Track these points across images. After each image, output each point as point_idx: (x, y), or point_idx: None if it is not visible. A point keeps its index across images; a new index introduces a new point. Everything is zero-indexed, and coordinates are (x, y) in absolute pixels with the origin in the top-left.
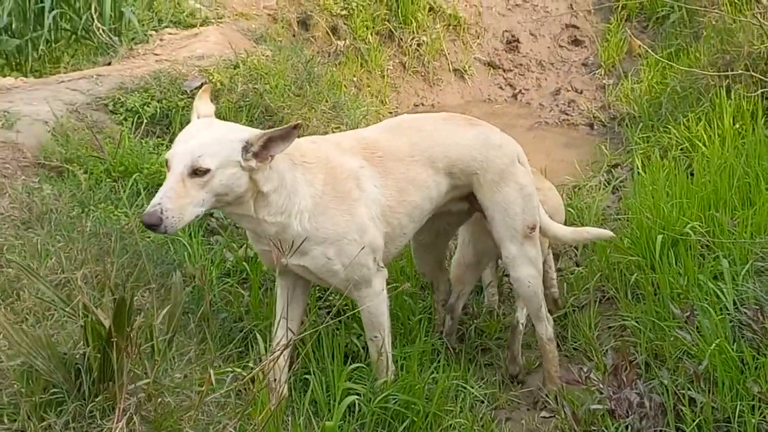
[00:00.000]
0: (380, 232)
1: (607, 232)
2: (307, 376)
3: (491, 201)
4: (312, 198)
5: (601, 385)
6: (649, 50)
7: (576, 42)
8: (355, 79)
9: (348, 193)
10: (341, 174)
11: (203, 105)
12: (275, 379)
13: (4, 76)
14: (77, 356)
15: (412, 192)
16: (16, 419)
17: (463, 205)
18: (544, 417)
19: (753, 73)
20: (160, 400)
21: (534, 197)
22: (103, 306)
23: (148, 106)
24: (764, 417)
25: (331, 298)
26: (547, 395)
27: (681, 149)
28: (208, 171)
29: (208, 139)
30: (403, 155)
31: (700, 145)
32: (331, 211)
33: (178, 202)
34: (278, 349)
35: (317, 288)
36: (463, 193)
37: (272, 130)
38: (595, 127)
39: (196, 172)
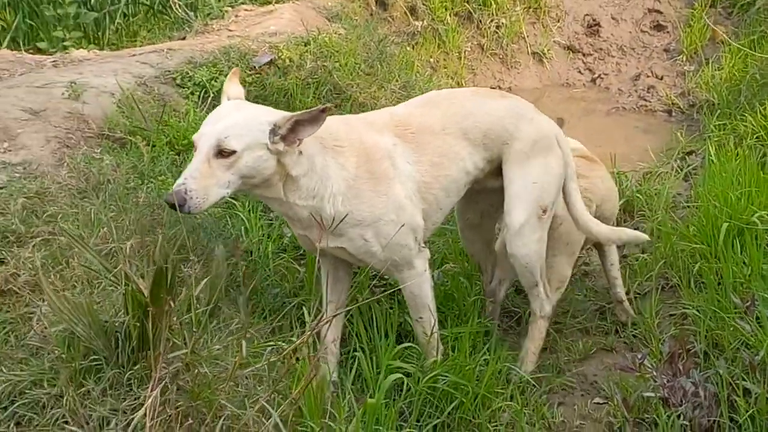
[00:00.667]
0: (418, 210)
1: (642, 236)
2: (356, 353)
3: (514, 171)
4: (345, 181)
5: (655, 373)
6: (729, 37)
7: (658, 27)
8: (431, 60)
9: (384, 173)
10: (375, 154)
11: (233, 87)
12: (324, 357)
13: (81, 48)
14: (117, 324)
15: (447, 165)
16: (56, 384)
17: (499, 181)
18: (597, 403)
19: None
20: (197, 370)
21: (557, 183)
22: (145, 276)
23: (215, 81)
24: None
25: (386, 277)
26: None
27: (756, 138)
28: (234, 152)
29: (236, 120)
30: (436, 129)
31: None
32: (366, 194)
33: (202, 182)
34: (318, 326)
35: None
36: (496, 167)
37: (300, 112)
38: (674, 114)
39: (222, 153)
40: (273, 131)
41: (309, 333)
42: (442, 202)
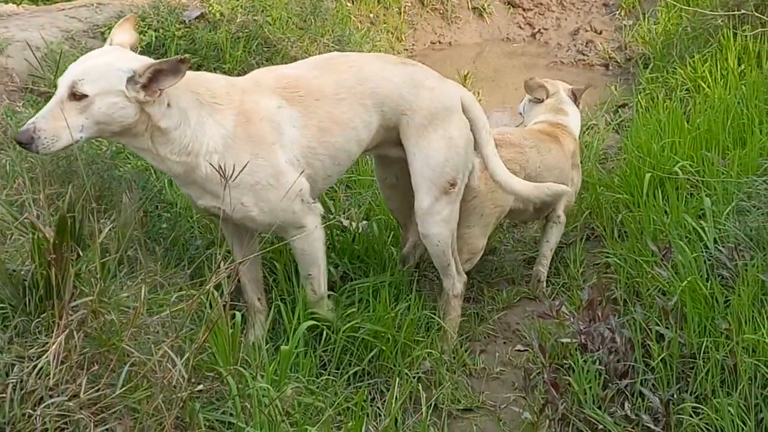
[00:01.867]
0: (299, 174)
1: (565, 188)
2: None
3: (414, 145)
4: (222, 139)
5: (572, 320)
6: None
7: None
8: (371, 15)
9: (263, 136)
10: (256, 116)
11: (119, 34)
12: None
13: (8, 2)
14: (24, 273)
15: (336, 132)
16: None
17: (400, 152)
18: (518, 350)
19: (760, 15)
20: (104, 318)
21: (464, 153)
22: (53, 225)
23: (144, 35)
24: (728, 353)
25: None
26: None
27: (685, 90)
28: (86, 96)
29: (94, 64)
30: (328, 93)
31: (704, 85)
32: (243, 155)
33: (53, 123)
34: (220, 277)
35: None
36: (395, 137)
37: (159, 61)
38: (611, 68)
39: (75, 96)
40: (131, 79)
41: (210, 282)
42: (330, 169)
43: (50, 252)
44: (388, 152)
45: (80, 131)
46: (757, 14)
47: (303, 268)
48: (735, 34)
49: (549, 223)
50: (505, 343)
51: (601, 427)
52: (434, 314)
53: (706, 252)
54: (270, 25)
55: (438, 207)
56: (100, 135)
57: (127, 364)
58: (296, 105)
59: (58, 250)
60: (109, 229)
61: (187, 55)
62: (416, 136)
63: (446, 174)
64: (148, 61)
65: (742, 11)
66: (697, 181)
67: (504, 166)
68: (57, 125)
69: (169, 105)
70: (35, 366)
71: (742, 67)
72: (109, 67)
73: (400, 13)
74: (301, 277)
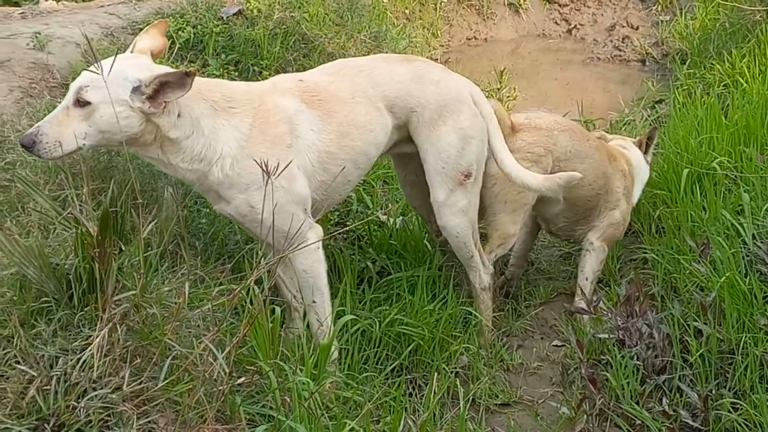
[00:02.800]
0: (310, 183)
1: (575, 174)
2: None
3: (426, 140)
4: (237, 142)
5: (610, 315)
6: None
7: None
8: (407, 11)
9: (279, 137)
10: (274, 116)
11: (144, 39)
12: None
13: (53, 1)
14: (68, 267)
15: (356, 136)
16: (7, 326)
17: (415, 147)
18: (556, 345)
19: None
20: (146, 311)
21: (477, 143)
22: (96, 219)
23: (182, 32)
24: (767, 349)
25: (349, 222)
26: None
27: (723, 85)
28: (89, 104)
29: (102, 73)
30: (345, 97)
31: (742, 81)
32: (258, 155)
33: (57, 129)
34: (258, 272)
35: (335, 211)
36: (407, 134)
37: (165, 72)
38: (647, 63)
39: (79, 103)
40: (137, 89)
41: (251, 277)
42: (350, 173)
43: (94, 246)
44: (404, 149)
45: (84, 138)
46: None
47: (306, 295)
48: None
49: (582, 251)
50: (542, 338)
51: (638, 422)
52: (471, 309)
53: (744, 248)
54: (307, 21)
55: (454, 198)
56: (105, 144)
57: (169, 358)
58: (315, 109)
59: (101, 245)
60: (151, 224)
61: (192, 69)
62: (427, 131)
63: (460, 165)
64: (155, 71)
65: None
66: (735, 176)
67: (512, 159)
68: (61, 131)
69: (179, 115)
70: (79, 359)
71: None
72: (117, 75)
73: (436, 8)
74: (305, 304)
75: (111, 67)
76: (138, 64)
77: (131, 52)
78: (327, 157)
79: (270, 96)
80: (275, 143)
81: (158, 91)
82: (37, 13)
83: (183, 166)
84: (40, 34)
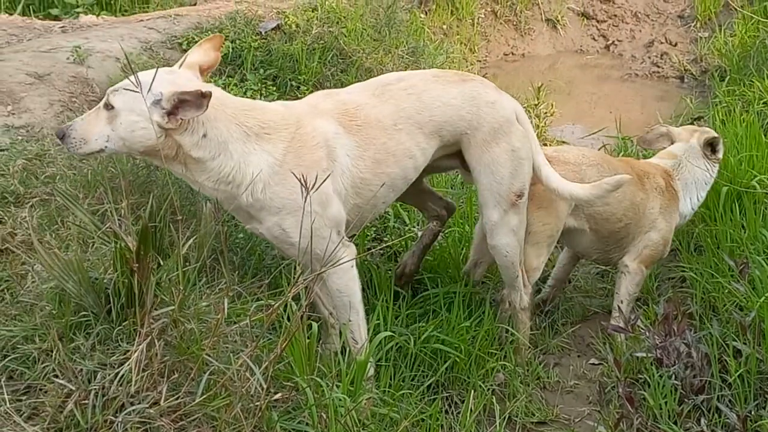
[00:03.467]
0: (345, 206)
1: (624, 177)
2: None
3: (479, 162)
4: (270, 167)
5: (648, 334)
6: (743, 3)
7: None
8: (444, 26)
9: (316, 162)
10: (311, 141)
11: (195, 52)
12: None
13: (93, 15)
14: (107, 281)
15: (392, 164)
16: (46, 339)
17: (453, 163)
18: (593, 364)
19: None
20: (184, 326)
21: (527, 163)
22: (135, 234)
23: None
24: None
25: (386, 238)
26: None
27: (763, 103)
28: (113, 108)
29: (133, 81)
30: (387, 124)
31: None
32: (290, 180)
33: (86, 127)
34: (297, 288)
35: (371, 227)
36: (452, 151)
37: (183, 90)
38: (686, 80)
39: (108, 106)
40: (157, 102)
41: (290, 293)
42: (386, 196)
43: (133, 261)
44: (442, 164)
45: (106, 141)
46: None
47: (341, 314)
48: None
49: (617, 273)
50: (579, 356)
51: None
52: (507, 327)
53: None
54: (345, 36)
55: (507, 218)
56: (127, 151)
57: (207, 373)
58: (354, 134)
59: (140, 260)
60: (190, 239)
61: (209, 90)
62: (479, 152)
63: (513, 186)
64: (178, 87)
65: None
66: None
67: (556, 173)
68: (88, 129)
69: (205, 135)
70: (117, 373)
71: None
72: (143, 86)
73: (473, 24)
74: (340, 324)
75: (153, 78)
76: (170, 79)
77: (180, 66)
78: (361, 183)
79: (309, 118)
80: (311, 168)
81: (177, 107)
82: (77, 27)
83: (209, 185)
84: (80, 48)
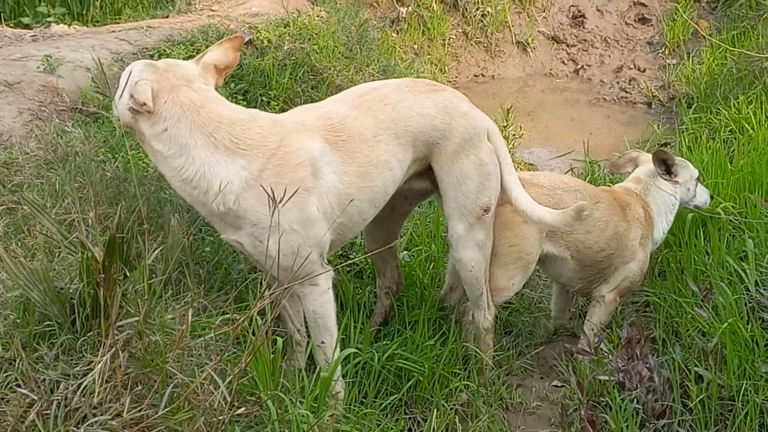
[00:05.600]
0: (329, 225)
1: (584, 203)
2: None
3: (447, 173)
4: (244, 182)
5: (611, 357)
6: (712, 32)
7: (642, 20)
8: (415, 46)
9: (299, 181)
10: (295, 159)
11: (213, 52)
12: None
13: (65, 24)
14: (72, 291)
15: (375, 176)
16: (9, 348)
17: (424, 184)
18: (555, 386)
19: None
20: (148, 338)
21: (495, 179)
22: (102, 244)
23: (191, 59)
24: None
25: (352, 255)
26: (557, 364)
27: (729, 131)
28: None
29: (145, 63)
30: (368, 137)
31: (747, 127)
32: (267, 196)
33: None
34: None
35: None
36: (423, 166)
37: (138, 95)
38: (653, 106)
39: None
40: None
41: (255, 307)
42: (367, 212)
43: (99, 271)
44: (414, 185)
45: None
46: None
47: (315, 336)
48: None
49: (592, 302)
50: (542, 378)
51: None
52: (471, 346)
53: (747, 294)
54: (316, 53)
55: (473, 232)
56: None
57: (170, 386)
58: (339, 149)
59: (107, 270)
60: (157, 251)
61: (142, 103)
62: (448, 164)
63: (479, 200)
64: (135, 88)
65: None
66: (740, 222)
67: (527, 196)
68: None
69: (166, 131)
70: (80, 384)
71: None
72: (139, 68)
73: (444, 44)
74: (314, 345)
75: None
76: (168, 68)
77: (197, 62)
78: (347, 199)
79: (293, 136)
80: (291, 186)
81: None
82: (48, 36)
83: (176, 184)
84: (50, 57)
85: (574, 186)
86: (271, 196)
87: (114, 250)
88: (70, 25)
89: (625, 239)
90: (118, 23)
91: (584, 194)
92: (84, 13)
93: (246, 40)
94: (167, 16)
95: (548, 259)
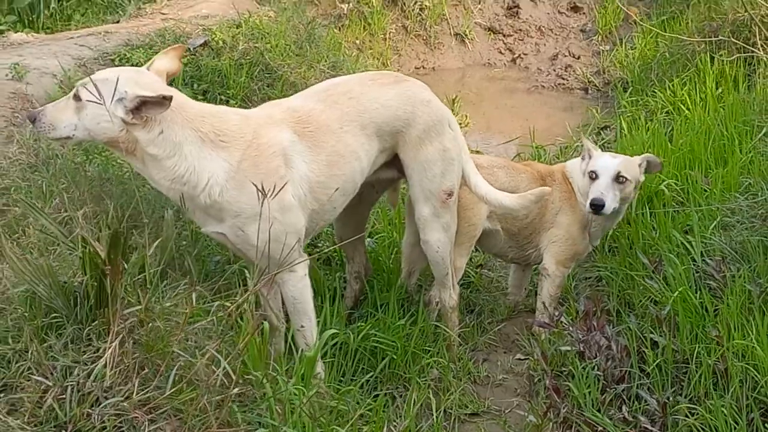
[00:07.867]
0: (304, 213)
1: (545, 189)
2: None
3: (412, 159)
4: (226, 173)
5: (571, 329)
6: (642, 18)
7: (575, 8)
8: (357, 41)
9: (273, 170)
10: (267, 150)
11: (161, 59)
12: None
13: (16, 32)
14: (76, 284)
15: (343, 165)
16: (20, 341)
17: (391, 173)
18: (519, 359)
19: (736, 40)
20: (151, 324)
21: (457, 164)
22: (100, 239)
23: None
24: (719, 358)
25: (320, 245)
26: (520, 338)
27: (666, 112)
28: (80, 100)
29: (105, 76)
30: (334, 127)
31: (684, 108)
32: (248, 186)
33: (55, 114)
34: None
35: None
36: (390, 156)
37: (145, 95)
38: (590, 92)
39: (76, 97)
40: (120, 100)
41: (249, 293)
42: (337, 200)
43: (105, 264)
44: (381, 175)
45: (74, 129)
46: (733, 40)
47: (295, 320)
48: (712, 59)
49: (539, 276)
50: (505, 352)
51: (601, 428)
52: (439, 324)
53: (694, 265)
54: (270, 52)
55: (437, 214)
56: (91, 141)
57: (174, 368)
58: (306, 140)
59: (112, 263)
60: (156, 243)
61: (170, 94)
62: (414, 150)
63: (443, 185)
64: (140, 90)
65: (719, 37)
66: (683, 198)
67: (485, 182)
68: (57, 116)
69: (161, 133)
70: (91, 370)
71: (720, 90)
72: (108, 81)
73: (385, 39)
74: (294, 329)
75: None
76: (136, 78)
77: (148, 68)
78: (318, 187)
79: (265, 128)
80: (268, 176)
81: (139, 107)
82: (9, 44)
83: (165, 183)
84: (18, 65)
85: (502, 163)
86: (259, 188)
87: (118, 244)
88: (26, 33)
89: (545, 203)
90: (71, 30)
91: (509, 168)
92: (34, 20)
93: (202, 41)
94: (118, 22)
95: (483, 234)
